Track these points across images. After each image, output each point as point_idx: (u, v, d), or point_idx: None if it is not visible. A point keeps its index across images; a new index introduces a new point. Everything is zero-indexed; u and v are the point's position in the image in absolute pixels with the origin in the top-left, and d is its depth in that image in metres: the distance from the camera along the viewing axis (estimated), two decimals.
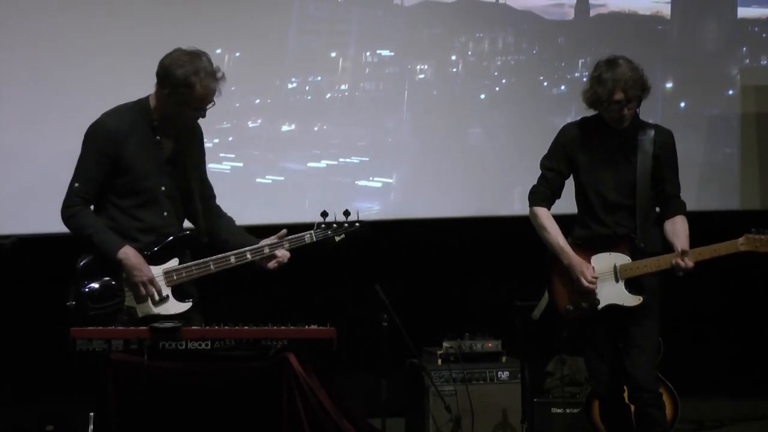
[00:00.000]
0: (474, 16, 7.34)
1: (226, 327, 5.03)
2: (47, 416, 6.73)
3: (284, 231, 5.36)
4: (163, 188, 5.28)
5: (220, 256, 5.29)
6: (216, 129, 6.63)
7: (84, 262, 5.22)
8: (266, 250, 5.31)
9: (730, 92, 7.62)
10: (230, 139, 6.83)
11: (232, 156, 6.82)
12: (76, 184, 5.22)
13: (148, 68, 6.71)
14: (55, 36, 6.64)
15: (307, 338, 4.97)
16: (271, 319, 5.09)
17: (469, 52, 7.32)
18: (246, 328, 5.01)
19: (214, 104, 5.24)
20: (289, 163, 7.02)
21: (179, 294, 5.26)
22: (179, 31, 6.79)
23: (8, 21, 6.60)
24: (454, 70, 7.31)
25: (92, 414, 5.20)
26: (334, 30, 7.17)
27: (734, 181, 7.55)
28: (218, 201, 5.61)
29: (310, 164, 7.06)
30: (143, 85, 6.65)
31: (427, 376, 6.69)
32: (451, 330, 7.06)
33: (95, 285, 5.18)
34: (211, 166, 6.67)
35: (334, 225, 5.40)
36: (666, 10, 7.53)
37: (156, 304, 5.19)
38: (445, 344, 6.94)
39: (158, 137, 5.26)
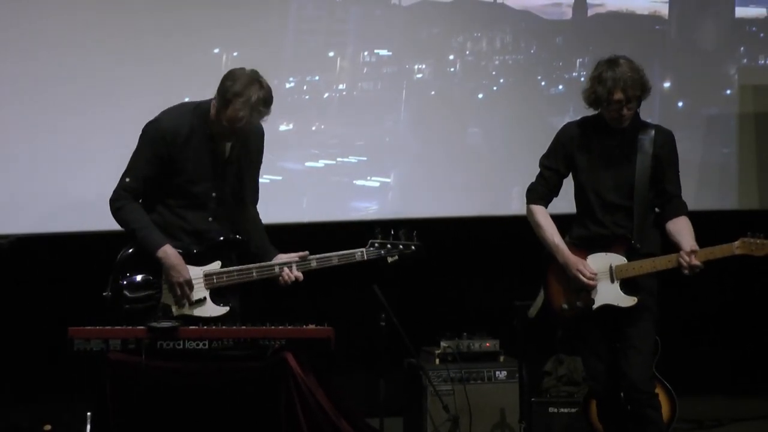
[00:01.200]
0: (472, 16, 7.34)
1: (224, 327, 5.04)
2: (45, 415, 6.73)
3: (306, 252, 5.35)
4: (214, 194, 5.33)
5: (264, 264, 5.30)
6: None
7: (124, 254, 5.25)
8: (314, 264, 5.32)
9: (728, 92, 7.62)
10: None
11: None
12: (127, 179, 5.28)
13: (145, 68, 6.75)
14: (52, 36, 6.63)
15: (305, 338, 4.98)
16: (269, 318, 5.09)
17: (467, 52, 7.31)
18: (244, 327, 5.02)
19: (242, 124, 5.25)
20: (286, 163, 7.01)
21: (218, 297, 5.25)
22: (177, 31, 6.80)
23: (7, 20, 6.60)
24: (452, 69, 7.30)
25: (90, 413, 5.21)
26: (332, 29, 7.16)
27: (732, 180, 7.54)
28: None
29: (308, 164, 7.05)
30: (140, 85, 6.69)
31: (425, 376, 6.69)
32: (449, 330, 7.05)
33: (133, 279, 5.21)
34: None
35: (388, 246, 5.39)
36: (664, 9, 7.53)
37: (192, 305, 5.20)
38: (443, 344, 6.94)
39: (213, 144, 5.29)
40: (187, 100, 6.65)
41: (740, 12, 7.66)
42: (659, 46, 7.49)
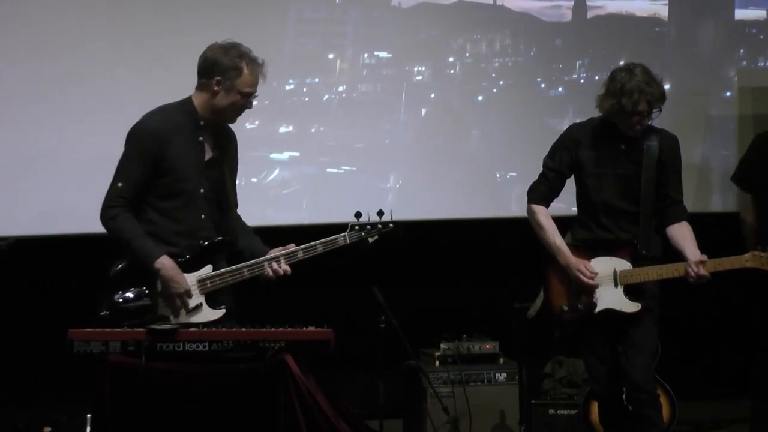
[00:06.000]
0: (471, 18, 7.34)
1: (223, 329, 5.04)
2: (44, 417, 6.73)
3: (292, 245, 5.33)
4: (202, 190, 5.24)
5: (253, 262, 5.24)
6: None
7: (117, 269, 5.16)
8: (300, 255, 5.26)
9: (728, 94, 7.62)
10: None
11: None
12: (119, 184, 5.15)
13: (144, 71, 6.77)
14: (51, 37, 6.64)
15: (305, 340, 4.97)
16: (269, 320, 5.09)
17: (467, 54, 7.32)
18: (243, 329, 5.01)
19: (257, 96, 5.26)
20: (285, 165, 7.02)
21: (212, 301, 5.21)
22: (177, 33, 6.80)
23: (7, 22, 6.61)
24: (452, 71, 7.30)
25: (89, 415, 5.20)
26: (332, 32, 7.16)
27: (731, 182, 7.53)
28: None
29: (307, 166, 7.06)
30: (139, 87, 6.69)
31: (424, 378, 6.69)
32: (449, 331, 7.05)
33: (129, 295, 5.13)
34: None
35: (368, 226, 5.37)
36: (663, 11, 7.53)
37: (189, 312, 5.16)
38: (443, 346, 6.94)
39: (201, 138, 5.24)
40: None
41: (740, 14, 7.66)
42: (659, 48, 7.50)
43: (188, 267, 5.17)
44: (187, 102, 5.26)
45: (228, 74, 5.16)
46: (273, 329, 5.00)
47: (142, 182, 5.16)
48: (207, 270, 5.20)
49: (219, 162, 5.31)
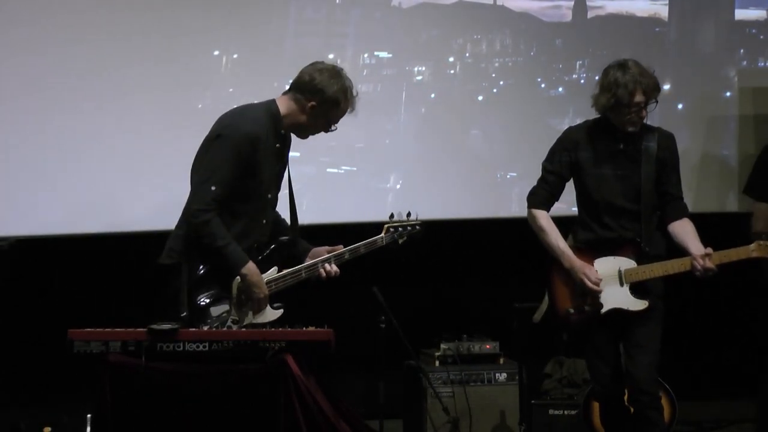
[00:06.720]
0: (471, 18, 7.34)
1: (224, 329, 5.04)
2: (45, 417, 6.73)
3: (340, 246, 5.38)
4: (269, 196, 5.30)
5: (310, 264, 5.31)
6: None
7: (198, 274, 5.15)
8: (347, 256, 5.38)
9: (728, 94, 7.62)
10: None
11: None
12: (213, 187, 5.08)
13: (145, 70, 6.75)
14: (53, 36, 6.65)
15: (305, 340, 4.98)
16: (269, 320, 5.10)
17: (467, 54, 7.32)
18: (244, 329, 5.02)
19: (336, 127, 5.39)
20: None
21: (273, 301, 5.26)
22: (178, 33, 6.80)
23: (12, 22, 6.61)
24: (452, 71, 7.30)
25: (89, 415, 5.20)
26: (332, 32, 7.16)
27: (732, 182, 7.54)
28: None
29: (307, 166, 7.05)
30: (141, 87, 6.69)
31: (424, 378, 6.69)
32: (449, 332, 7.05)
33: (208, 298, 5.16)
34: None
35: (400, 228, 5.50)
36: (663, 11, 7.53)
37: (256, 314, 5.21)
38: (443, 346, 6.94)
39: (279, 145, 5.27)
40: (188, 102, 6.68)
41: (740, 14, 7.66)
42: (659, 48, 7.50)
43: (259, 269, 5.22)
44: (272, 107, 5.27)
45: (326, 105, 5.26)
46: (273, 329, 5.01)
47: (233, 185, 5.13)
48: (273, 272, 5.26)
49: (284, 167, 5.38)
